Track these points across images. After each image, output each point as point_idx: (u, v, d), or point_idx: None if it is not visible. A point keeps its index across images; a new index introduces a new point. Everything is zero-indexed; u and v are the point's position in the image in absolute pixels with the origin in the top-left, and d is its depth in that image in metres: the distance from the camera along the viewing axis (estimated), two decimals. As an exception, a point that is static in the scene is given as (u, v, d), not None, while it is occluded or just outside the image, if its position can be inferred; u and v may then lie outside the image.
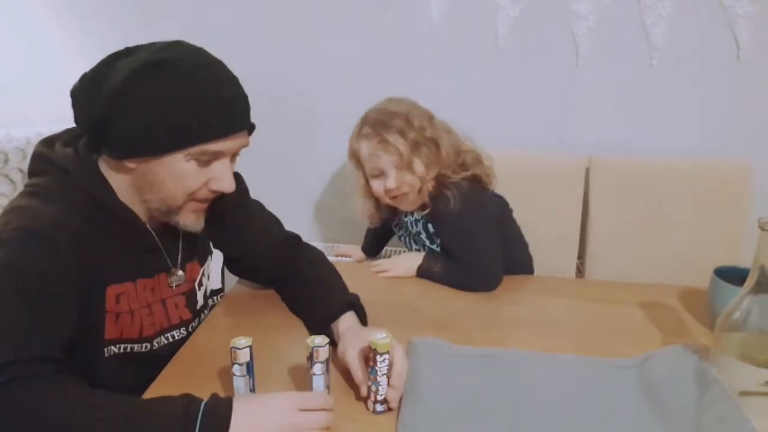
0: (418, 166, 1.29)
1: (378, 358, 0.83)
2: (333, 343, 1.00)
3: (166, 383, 0.93)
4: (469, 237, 1.31)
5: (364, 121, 1.33)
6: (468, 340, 1.04)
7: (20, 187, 1.27)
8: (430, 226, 1.37)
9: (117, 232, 0.95)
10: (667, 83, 1.81)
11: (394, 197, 1.34)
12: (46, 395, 0.75)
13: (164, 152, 0.89)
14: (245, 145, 0.98)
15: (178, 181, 0.92)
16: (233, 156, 0.98)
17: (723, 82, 1.79)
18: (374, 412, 0.86)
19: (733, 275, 1.07)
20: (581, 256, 1.82)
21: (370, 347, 0.83)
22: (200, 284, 1.11)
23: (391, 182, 1.30)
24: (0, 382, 0.73)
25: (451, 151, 1.32)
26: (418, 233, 1.41)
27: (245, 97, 0.96)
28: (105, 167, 0.94)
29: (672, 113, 1.84)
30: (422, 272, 1.32)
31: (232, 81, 0.94)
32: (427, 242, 1.40)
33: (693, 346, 0.98)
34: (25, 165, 1.30)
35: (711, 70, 1.79)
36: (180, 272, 1.06)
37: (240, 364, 0.81)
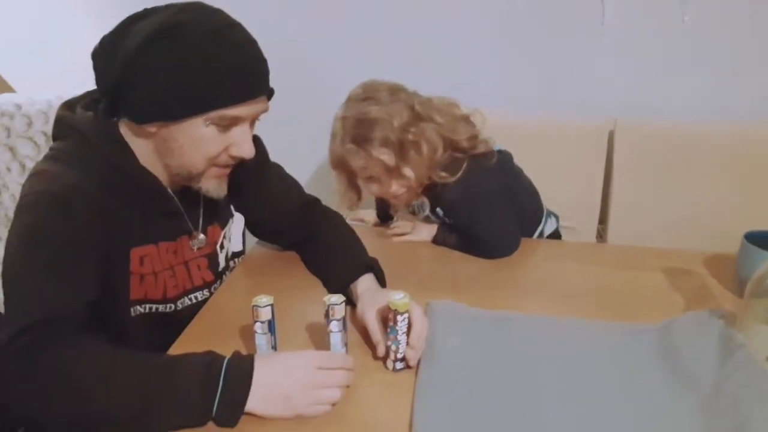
0: (408, 171, 1.25)
1: (398, 317, 0.83)
2: (352, 304, 1.01)
3: (189, 342, 0.95)
4: (479, 216, 1.26)
5: (344, 131, 1.24)
6: (485, 304, 1.04)
7: (44, 150, 1.29)
8: (439, 210, 1.34)
9: (138, 197, 0.95)
10: (699, 41, 1.75)
11: (389, 200, 1.35)
12: (67, 356, 0.76)
13: (183, 117, 0.89)
14: (265, 110, 0.97)
15: (198, 146, 0.92)
16: (253, 121, 0.97)
17: (756, 40, 1.72)
18: (393, 370, 0.87)
19: (763, 240, 1.05)
20: (603, 221, 1.80)
21: (389, 307, 0.84)
22: (221, 247, 1.12)
23: (382, 191, 1.30)
24: (22, 344, 0.75)
25: (438, 143, 1.25)
26: (427, 218, 1.38)
27: (264, 61, 0.94)
28: (125, 131, 0.94)
29: (702, 73, 1.78)
30: (435, 241, 1.32)
31: (251, 44, 0.92)
32: (436, 220, 1.37)
33: (718, 312, 0.97)
34: (48, 128, 1.32)
35: (743, 26, 1.72)
36: (201, 236, 1.06)
37: (261, 323, 0.82)
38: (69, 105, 0.98)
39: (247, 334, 0.91)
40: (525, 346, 0.93)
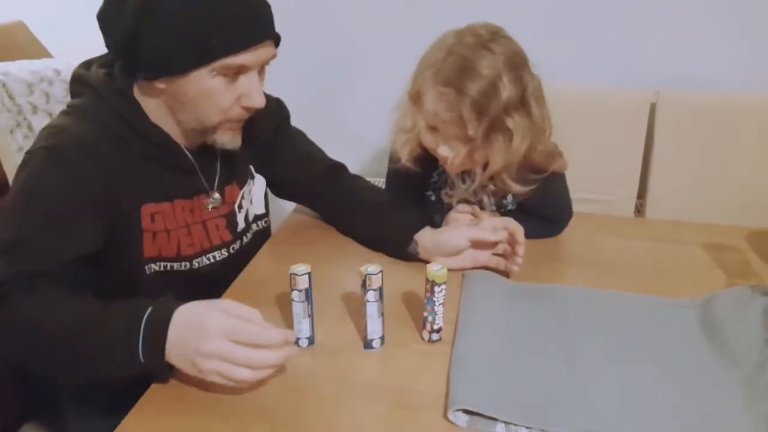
0: (479, 156, 1.05)
1: (435, 288, 0.83)
2: (411, 259, 1.07)
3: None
4: (556, 198, 1.18)
5: (444, 64, 1.00)
6: (522, 276, 1.03)
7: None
8: (509, 198, 1.18)
9: (151, 153, 0.96)
10: (744, 12, 1.68)
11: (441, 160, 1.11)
12: (25, 306, 0.80)
13: (188, 69, 0.88)
14: (272, 56, 0.95)
15: (207, 98, 0.91)
16: (261, 69, 0.96)
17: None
18: (429, 341, 0.87)
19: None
20: (641, 195, 1.76)
21: (427, 279, 0.84)
22: (240, 207, 1.12)
23: (444, 150, 1.06)
24: None
25: (517, 155, 1.04)
26: (480, 201, 1.19)
27: (268, 5, 0.93)
28: (139, 91, 0.95)
29: (746, 44, 1.72)
30: None
31: None
32: (494, 205, 1.20)
33: (762, 288, 0.95)
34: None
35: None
36: (216, 195, 1.06)
37: (299, 290, 0.82)
38: (86, 64, 0.99)
39: (284, 301, 0.92)
40: (563, 317, 0.92)
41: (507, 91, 0.98)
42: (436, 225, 1.10)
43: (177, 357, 0.74)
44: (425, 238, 1.06)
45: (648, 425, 0.71)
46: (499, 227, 1.03)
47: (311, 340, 0.86)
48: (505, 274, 1.04)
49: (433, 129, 1.05)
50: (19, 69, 1.24)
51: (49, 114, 1.27)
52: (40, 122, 1.26)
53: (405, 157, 1.11)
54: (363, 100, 2.02)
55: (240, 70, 0.91)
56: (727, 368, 0.81)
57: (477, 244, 1.05)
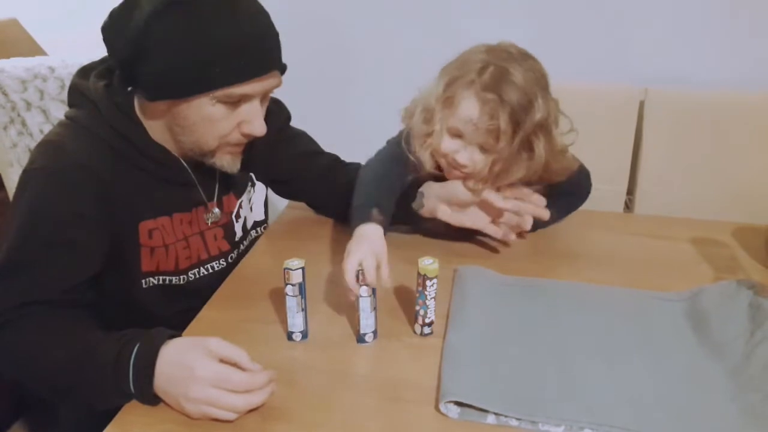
0: (500, 168, 1.04)
1: (427, 282, 0.84)
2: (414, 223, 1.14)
3: (221, 303, 0.98)
4: (574, 174, 1.15)
5: (483, 73, 0.99)
6: (513, 271, 1.05)
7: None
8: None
9: (149, 169, 0.95)
10: (733, 9, 1.70)
11: (454, 167, 1.08)
12: (21, 337, 0.82)
13: (189, 95, 0.87)
14: (276, 86, 0.94)
15: (207, 124, 0.90)
16: (264, 97, 0.95)
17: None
18: (421, 334, 0.88)
19: (793, 212, 1.03)
20: (630, 191, 1.78)
21: (419, 273, 0.85)
22: (238, 216, 1.11)
23: (465, 157, 1.05)
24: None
25: (535, 174, 1.06)
26: None
27: (275, 35, 0.91)
28: (139, 107, 0.94)
29: (734, 42, 1.74)
30: (549, 224, 1.18)
31: (258, 18, 0.89)
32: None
33: (748, 282, 0.96)
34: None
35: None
36: (216, 210, 1.06)
37: (293, 285, 0.83)
38: (84, 72, 0.97)
39: (278, 295, 0.93)
40: (553, 311, 0.93)
41: (540, 111, 0.99)
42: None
43: (164, 393, 0.74)
44: (432, 187, 1.09)
45: (637, 416, 0.73)
46: (512, 196, 1.07)
47: (304, 334, 0.87)
48: (498, 254, 1.06)
49: (457, 135, 1.04)
50: (14, 66, 1.24)
51: (42, 111, 1.27)
52: (33, 118, 1.26)
53: (428, 162, 1.08)
54: (366, 104, 2.03)
55: (242, 99, 0.90)
56: (713, 360, 0.83)
57: (483, 206, 1.08)
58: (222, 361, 0.73)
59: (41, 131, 1.26)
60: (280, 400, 0.75)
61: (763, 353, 0.80)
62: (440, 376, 0.79)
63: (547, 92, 1.03)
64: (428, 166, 1.08)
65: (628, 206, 1.80)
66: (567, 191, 1.17)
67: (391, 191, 1.07)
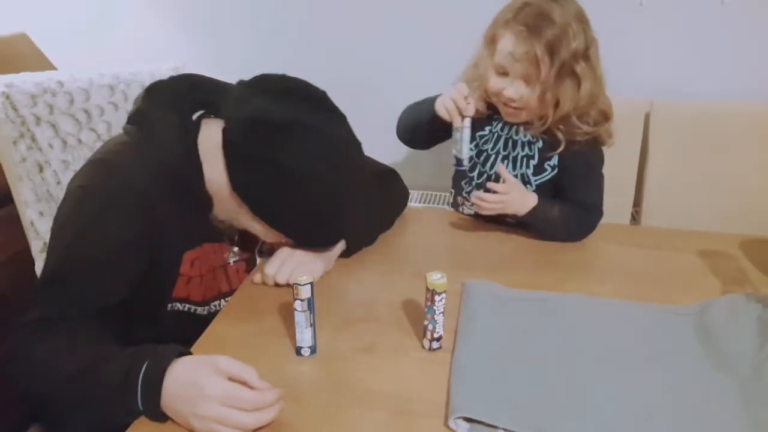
0: (551, 96, 1.16)
1: (436, 297, 0.84)
2: None
3: (232, 316, 0.98)
4: (594, 178, 1.26)
5: (520, 11, 1.13)
6: (521, 284, 1.05)
7: (85, 127, 1.31)
8: (555, 157, 1.24)
9: (196, 208, 0.98)
10: (738, 23, 1.71)
11: (505, 104, 1.21)
12: (40, 348, 0.82)
13: (256, 216, 0.94)
14: None
15: (251, 229, 0.99)
16: None
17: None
18: (429, 349, 0.88)
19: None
20: (637, 203, 1.78)
21: (427, 288, 0.85)
22: (260, 252, 1.14)
23: (512, 91, 1.17)
24: (30, 330, 0.83)
25: (586, 99, 1.16)
26: (527, 158, 1.27)
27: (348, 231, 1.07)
28: (206, 148, 0.94)
29: (740, 55, 1.74)
30: (531, 215, 1.20)
31: (351, 207, 1.00)
32: (530, 172, 1.26)
33: (756, 296, 0.96)
34: (89, 105, 1.34)
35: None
36: (235, 249, 1.09)
37: (301, 300, 0.84)
38: (153, 96, 0.97)
39: (287, 310, 0.93)
40: (561, 325, 0.93)
41: (576, 39, 1.11)
42: None
43: (172, 411, 0.73)
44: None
45: (646, 431, 0.73)
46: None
47: (313, 349, 0.87)
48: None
49: (502, 73, 1.17)
50: (23, 81, 1.25)
51: (52, 125, 1.28)
52: (43, 133, 1.26)
53: (480, 104, 1.23)
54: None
55: None
56: (723, 374, 0.82)
57: None
58: (231, 379, 0.73)
59: (50, 146, 1.27)
60: (288, 415, 0.75)
61: (771, 368, 0.80)
62: (449, 392, 0.79)
63: (585, 25, 1.15)
64: (480, 106, 1.23)
65: (635, 218, 1.80)
66: (581, 200, 1.23)
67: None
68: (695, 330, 0.92)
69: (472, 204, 1.22)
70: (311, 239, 1.04)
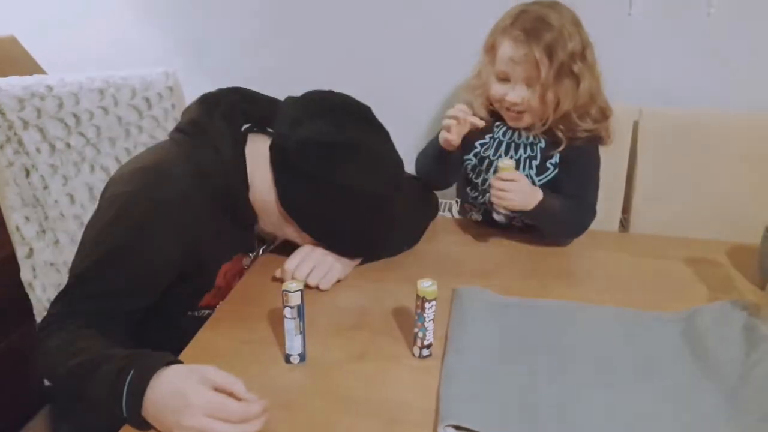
0: (550, 96, 1.19)
1: (426, 304, 0.84)
2: None
3: (220, 323, 0.97)
4: (593, 176, 1.31)
5: (518, 18, 1.19)
6: (511, 290, 1.05)
7: (74, 132, 1.31)
8: (556, 155, 1.27)
9: (241, 222, 1.00)
10: (724, 34, 1.73)
11: (508, 109, 1.25)
12: (54, 341, 0.84)
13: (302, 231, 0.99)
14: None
15: (292, 238, 1.04)
16: None
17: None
18: (420, 356, 0.88)
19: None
20: (626, 210, 1.79)
21: (417, 295, 0.85)
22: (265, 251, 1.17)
23: (514, 95, 1.21)
24: (53, 321, 0.85)
25: (585, 97, 1.21)
26: (529, 158, 1.29)
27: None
28: (252, 160, 0.97)
29: (727, 64, 1.76)
30: (539, 208, 1.19)
31: (394, 226, 1.06)
32: (534, 173, 1.28)
33: (742, 303, 0.97)
34: (79, 110, 1.33)
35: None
36: (251, 254, 1.12)
37: (291, 307, 0.83)
38: (208, 107, 0.98)
39: (277, 317, 0.93)
40: (550, 332, 0.93)
41: (573, 41, 1.17)
42: None
43: (156, 420, 0.73)
44: None
45: (633, 438, 0.73)
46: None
47: (302, 357, 0.87)
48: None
49: (504, 79, 1.22)
50: (11, 84, 1.24)
51: (40, 129, 1.27)
52: (30, 137, 1.25)
53: (482, 111, 1.27)
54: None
55: None
56: (710, 381, 0.83)
57: None
58: (217, 389, 0.72)
59: (38, 150, 1.26)
60: (277, 423, 0.75)
61: (758, 375, 0.81)
62: (439, 399, 0.79)
63: (580, 28, 1.21)
64: (483, 114, 1.26)
65: (623, 225, 1.80)
66: (576, 195, 1.26)
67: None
68: (683, 337, 0.93)
69: (489, 192, 1.20)
70: (353, 252, 1.08)
